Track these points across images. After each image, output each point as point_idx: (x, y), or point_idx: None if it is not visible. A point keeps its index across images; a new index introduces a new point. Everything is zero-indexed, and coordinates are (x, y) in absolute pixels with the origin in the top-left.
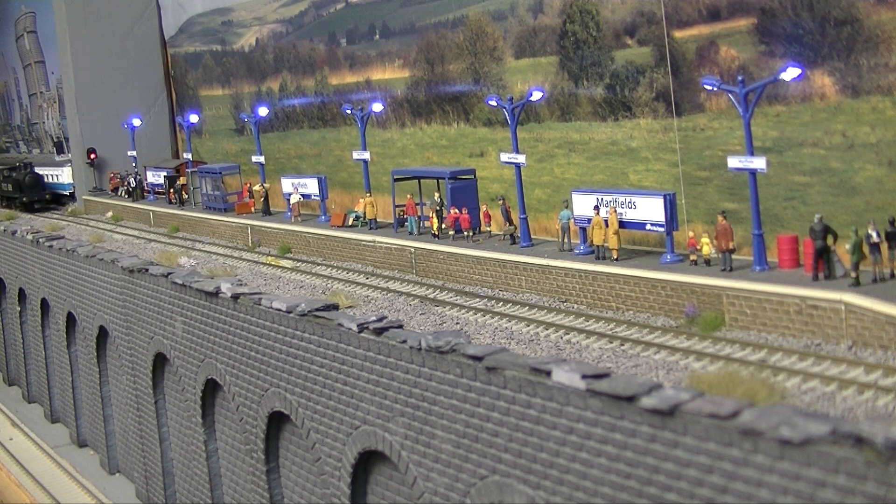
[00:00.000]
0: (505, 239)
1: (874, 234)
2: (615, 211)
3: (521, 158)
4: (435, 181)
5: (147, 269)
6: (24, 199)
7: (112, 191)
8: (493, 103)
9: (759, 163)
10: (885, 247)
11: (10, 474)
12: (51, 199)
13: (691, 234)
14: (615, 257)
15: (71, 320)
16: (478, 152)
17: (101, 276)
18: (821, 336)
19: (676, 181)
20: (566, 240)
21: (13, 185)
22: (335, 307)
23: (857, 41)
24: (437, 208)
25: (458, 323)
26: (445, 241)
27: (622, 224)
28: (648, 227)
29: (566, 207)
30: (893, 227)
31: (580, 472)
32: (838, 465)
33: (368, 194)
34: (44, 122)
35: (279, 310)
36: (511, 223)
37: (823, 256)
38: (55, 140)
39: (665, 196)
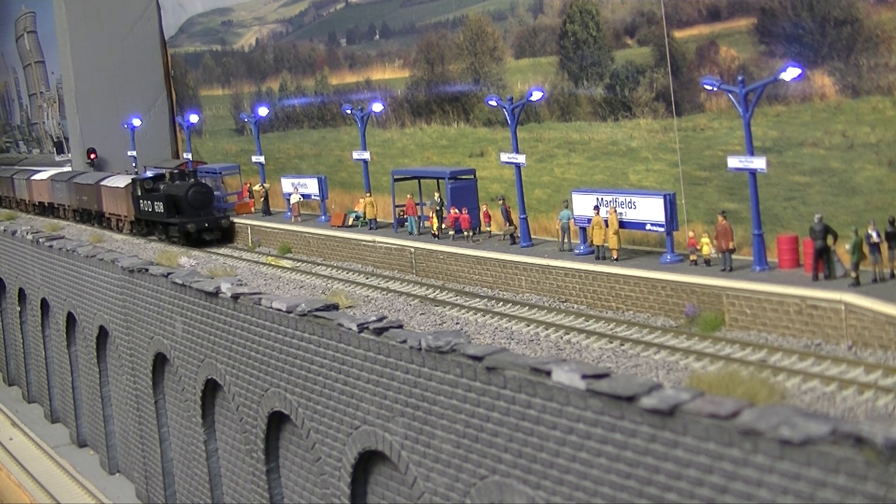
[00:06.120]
0: (505, 239)
1: (874, 234)
2: (615, 211)
3: (521, 158)
4: (435, 181)
5: (147, 269)
6: (189, 227)
7: None
8: (493, 103)
9: (759, 163)
10: (885, 247)
11: (10, 474)
12: (228, 227)
13: (691, 234)
14: (615, 257)
15: (71, 320)
16: (478, 152)
17: (101, 276)
18: (821, 336)
19: (676, 181)
20: (566, 240)
21: (165, 203)
22: (335, 307)
23: (857, 41)
24: (437, 208)
25: (458, 323)
26: (445, 241)
27: (622, 224)
28: (648, 227)
29: (566, 207)
30: (893, 227)
31: (580, 472)
32: (838, 465)
33: (368, 194)
34: (44, 122)
35: (279, 310)
36: (511, 223)
37: (823, 256)
38: (55, 140)
39: (665, 196)
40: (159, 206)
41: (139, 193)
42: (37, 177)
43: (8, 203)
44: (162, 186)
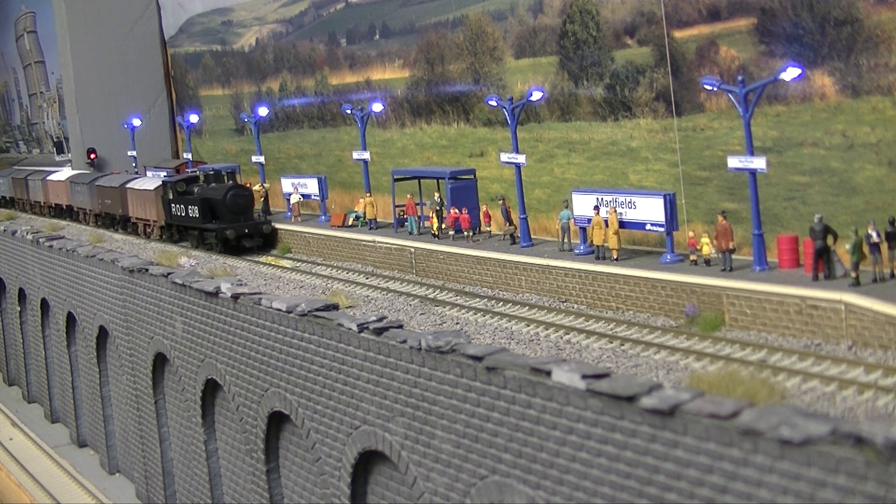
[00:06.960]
0: (505, 239)
1: (874, 234)
2: (615, 211)
3: (521, 158)
4: (435, 181)
5: (147, 269)
6: (228, 233)
7: None
8: (493, 103)
9: (759, 163)
10: (885, 247)
11: (10, 474)
12: (270, 233)
13: (691, 234)
14: (615, 257)
15: (71, 320)
16: (478, 152)
17: (101, 276)
18: (821, 336)
19: (676, 181)
20: (566, 240)
21: (201, 207)
22: (335, 307)
23: (857, 41)
24: (437, 208)
25: (458, 323)
26: (445, 241)
27: (622, 224)
28: (648, 227)
29: (566, 207)
30: (893, 227)
31: (580, 472)
32: (838, 465)
33: (368, 194)
34: (44, 122)
35: (279, 310)
36: (511, 223)
37: (823, 256)
38: (55, 140)
39: (665, 196)
40: (194, 211)
41: (171, 197)
42: (53, 177)
43: (21, 205)
44: (196, 189)
